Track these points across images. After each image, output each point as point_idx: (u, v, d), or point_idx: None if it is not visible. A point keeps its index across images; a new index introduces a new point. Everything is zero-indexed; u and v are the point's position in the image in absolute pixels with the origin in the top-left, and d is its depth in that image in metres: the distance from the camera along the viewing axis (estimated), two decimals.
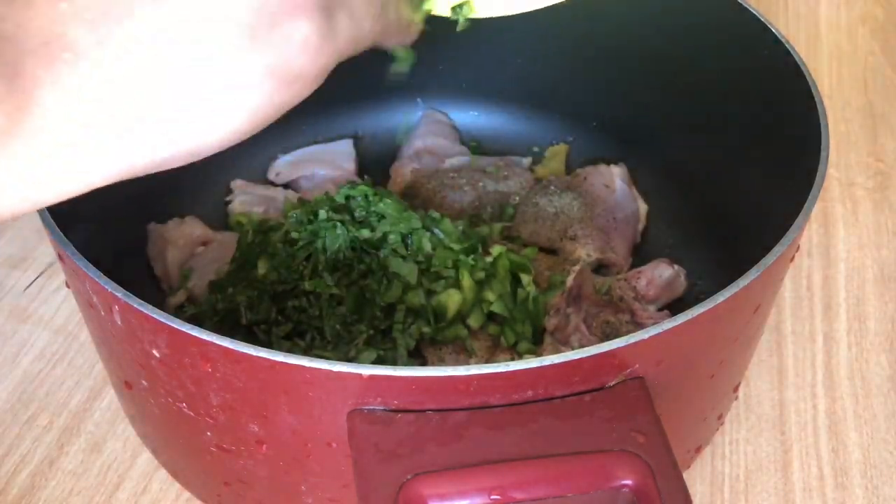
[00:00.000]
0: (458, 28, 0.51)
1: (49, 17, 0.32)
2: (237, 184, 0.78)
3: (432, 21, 0.49)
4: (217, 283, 0.65)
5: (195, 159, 0.36)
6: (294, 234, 0.64)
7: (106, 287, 0.42)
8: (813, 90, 0.55)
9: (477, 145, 0.84)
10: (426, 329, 0.62)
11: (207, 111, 0.35)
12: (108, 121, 0.33)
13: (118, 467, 0.62)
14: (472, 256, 0.64)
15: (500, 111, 0.84)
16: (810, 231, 0.80)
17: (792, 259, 0.54)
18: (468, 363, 0.63)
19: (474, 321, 0.64)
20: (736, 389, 0.59)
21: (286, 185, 0.80)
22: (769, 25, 0.60)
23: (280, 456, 0.46)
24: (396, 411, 0.40)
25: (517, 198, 0.76)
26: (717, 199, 0.70)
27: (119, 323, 0.44)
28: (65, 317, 0.72)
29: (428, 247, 0.64)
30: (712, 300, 0.42)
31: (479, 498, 0.38)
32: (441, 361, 0.63)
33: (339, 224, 0.64)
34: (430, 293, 0.63)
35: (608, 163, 0.78)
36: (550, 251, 0.73)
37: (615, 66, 0.76)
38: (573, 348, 0.63)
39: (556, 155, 0.82)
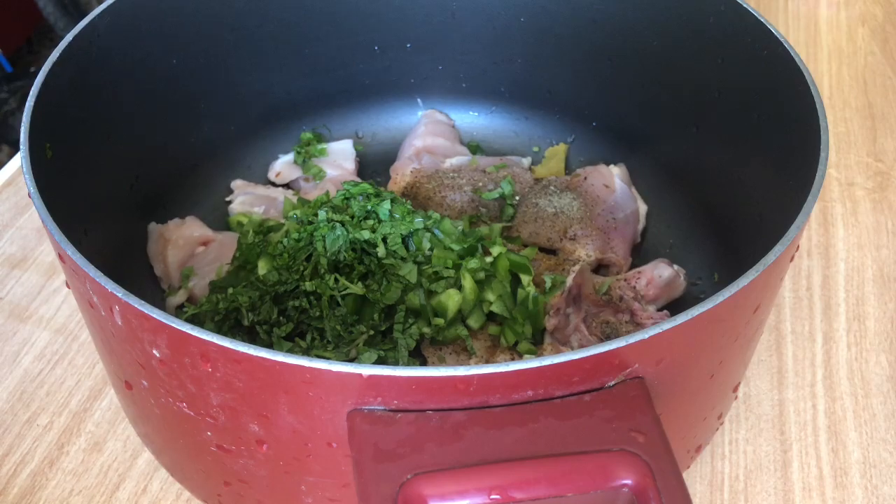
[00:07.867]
0: None
1: None
2: (237, 184, 0.78)
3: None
4: (218, 284, 0.65)
5: None
6: (294, 235, 0.64)
7: (106, 287, 0.42)
8: (813, 90, 0.55)
9: (477, 145, 0.84)
10: (426, 329, 0.62)
11: None
12: None
13: (118, 467, 0.62)
14: (472, 258, 0.64)
15: (500, 111, 0.85)
16: (810, 231, 0.80)
17: (792, 259, 0.54)
18: (468, 363, 0.63)
19: (474, 321, 0.64)
20: (736, 389, 0.59)
21: (286, 185, 0.80)
22: (769, 25, 0.60)
23: (280, 456, 0.46)
24: (396, 411, 0.40)
25: (517, 198, 0.76)
26: (717, 199, 0.70)
27: (119, 323, 0.44)
28: (65, 317, 0.72)
29: (428, 247, 0.64)
30: (712, 300, 0.42)
31: (479, 498, 0.38)
32: (441, 361, 0.63)
33: (338, 225, 0.64)
34: (430, 293, 0.63)
35: (608, 163, 0.78)
36: (550, 251, 0.73)
37: (615, 67, 0.76)
38: (573, 348, 0.63)
39: (556, 155, 0.82)
